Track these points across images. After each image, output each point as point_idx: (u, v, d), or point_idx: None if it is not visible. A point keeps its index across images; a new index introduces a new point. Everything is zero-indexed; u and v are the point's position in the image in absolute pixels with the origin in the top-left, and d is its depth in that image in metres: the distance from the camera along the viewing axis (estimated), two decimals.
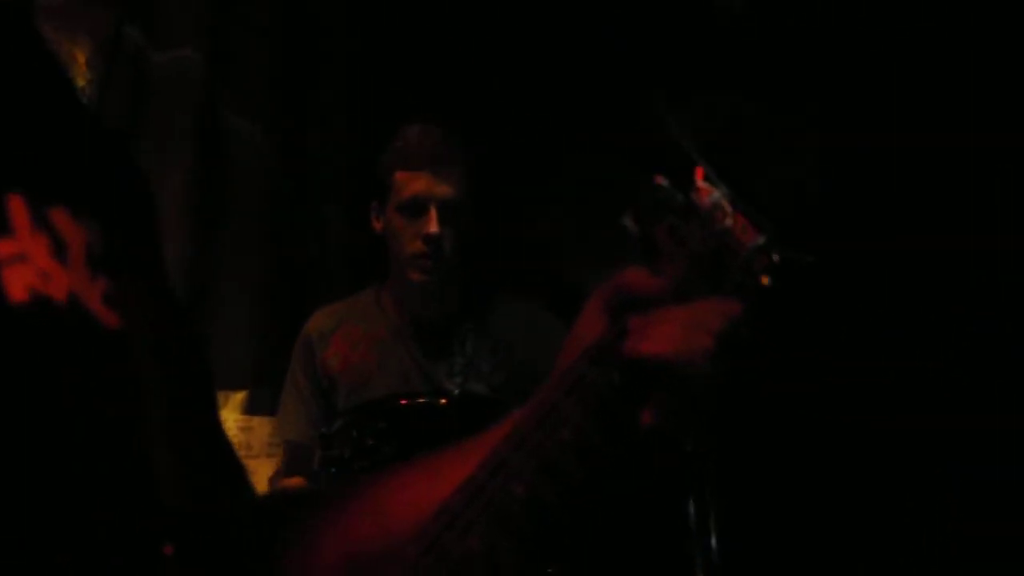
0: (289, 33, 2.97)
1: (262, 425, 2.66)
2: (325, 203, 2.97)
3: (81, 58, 2.41)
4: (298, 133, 2.98)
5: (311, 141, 3.00)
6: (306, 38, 2.99)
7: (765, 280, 2.30)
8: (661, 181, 1.11)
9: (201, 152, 2.79)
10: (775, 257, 1.12)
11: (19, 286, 0.67)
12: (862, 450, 2.77)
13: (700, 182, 1.08)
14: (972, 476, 2.61)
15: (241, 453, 2.49)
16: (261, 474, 2.57)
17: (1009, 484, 2.52)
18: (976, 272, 2.75)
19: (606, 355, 0.91)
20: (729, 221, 1.13)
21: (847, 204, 2.86)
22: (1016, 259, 2.73)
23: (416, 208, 2.30)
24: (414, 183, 2.30)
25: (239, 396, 2.73)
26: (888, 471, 2.76)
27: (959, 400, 2.67)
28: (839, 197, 2.81)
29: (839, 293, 2.79)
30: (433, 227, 2.28)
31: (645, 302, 0.93)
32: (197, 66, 2.77)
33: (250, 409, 2.71)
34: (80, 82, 2.42)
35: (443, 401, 2.06)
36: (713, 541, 2.02)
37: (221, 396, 2.66)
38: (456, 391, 2.24)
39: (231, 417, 2.69)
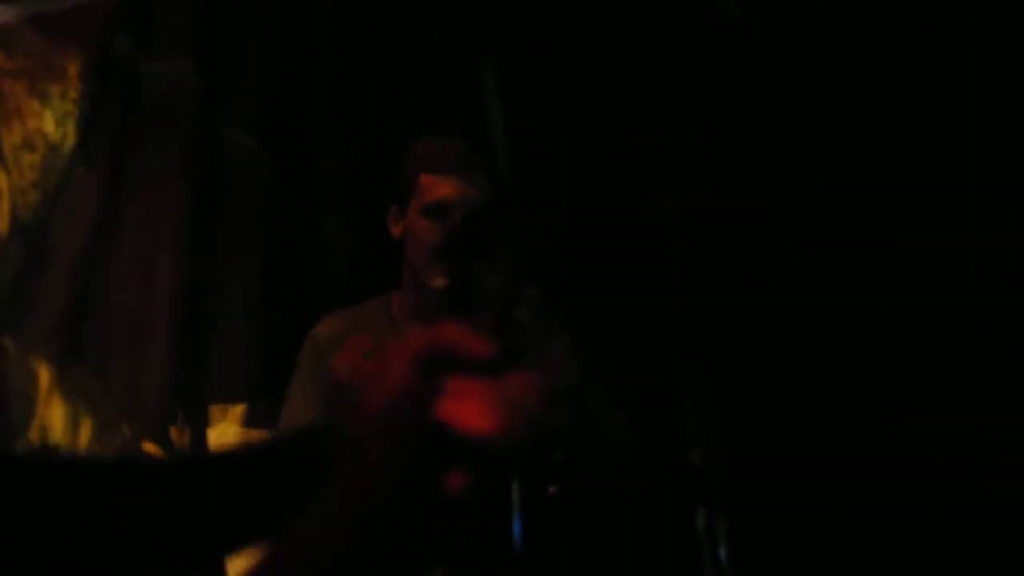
0: (284, 42, 2.93)
1: (260, 438, 2.55)
2: (323, 215, 2.93)
3: (73, 70, 2.39)
4: (295, 144, 2.94)
5: (308, 152, 2.97)
6: (301, 47, 2.95)
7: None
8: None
9: (196, 164, 2.70)
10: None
11: None
12: (871, 454, 2.74)
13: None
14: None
15: None
16: None
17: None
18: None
19: (418, 414, 0.89)
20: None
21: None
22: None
23: (442, 211, 2.27)
24: (441, 186, 2.27)
25: (238, 409, 2.69)
26: (897, 475, 2.69)
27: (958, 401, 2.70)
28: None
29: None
30: (457, 228, 2.29)
31: (463, 364, 0.91)
32: (191, 77, 2.69)
33: (249, 422, 2.68)
34: (72, 94, 2.39)
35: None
36: (723, 552, 1.96)
37: (220, 409, 2.66)
38: None
39: (230, 430, 2.66)
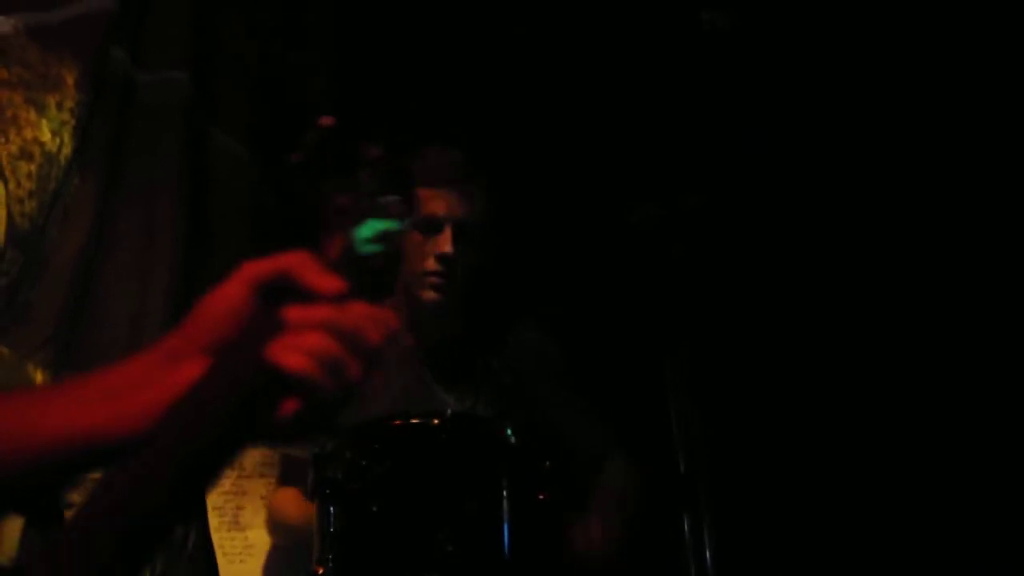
0: (273, 53, 2.87)
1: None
2: (315, 216, 2.87)
3: (69, 80, 2.39)
4: (285, 153, 2.87)
5: (306, 171, 2.91)
6: (293, 58, 2.89)
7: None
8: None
9: (187, 173, 2.72)
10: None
11: None
12: (855, 458, 2.78)
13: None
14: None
15: (233, 474, 2.40)
16: (252, 493, 2.55)
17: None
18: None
19: (250, 348, 0.89)
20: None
21: None
22: None
23: (431, 227, 2.27)
24: (431, 202, 2.27)
25: None
26: (878, 478, 2.76)
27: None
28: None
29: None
30: (447, 247, 2.25)
31: (305, 293, 0.90)
32: (183, 87, 2.71)
33: None
34: (68, 104, 2.39)
35: (436, 421, 1.99)
36: (708, 555, 1.99)
37: None
38: (449, 411, 2.20)
39: None
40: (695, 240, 2.25)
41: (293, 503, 2.33)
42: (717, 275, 2.73)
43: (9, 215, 2.26)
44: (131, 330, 2.53)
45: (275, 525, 2.39)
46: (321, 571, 1.90)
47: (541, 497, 1.96)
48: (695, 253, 2.27)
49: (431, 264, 2.27)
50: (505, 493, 1.89)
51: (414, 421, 2.00)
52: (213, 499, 2.61)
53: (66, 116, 2.39)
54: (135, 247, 2.58)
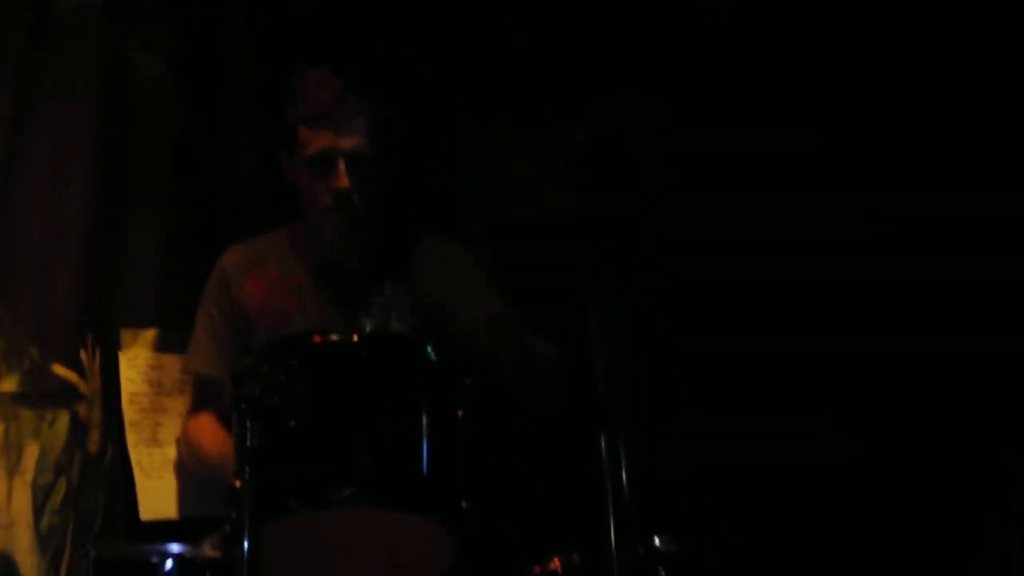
0: None
1: (172, 362, 2.64)
2: (235, 139, 2.88)
3: None
4: (207, 69, 2.88)
5: (220, 76, 2.90)
6: None
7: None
8: None
9: (106, 88, 2.72)
10: None
11: None
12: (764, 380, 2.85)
13: None
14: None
15: (152, 391, 2.40)
16: (171, 410, 2.59)
17: None
18: None
19: None
20: None
21: None
22: None
23: (323, 163, 2.29)
24: (318, 138, 2.28)
25: (149, 334, 2.68)
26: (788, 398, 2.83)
27: None
28: None
29: None
30: (342, 182, 2.27)
31: None
32: (98, 1, 2.71)
33: (160, 347, 2.68)
34: None
35: (355, 338, 2.02)
36: (624, 470, 1.98)
37: (131, 333, 2.66)
38: (368, 328, 2.24)
39: (141, 355, 2.67)
40: (618, 167, 2.29)
41: (208, 432, 2.36)
42: (643, 198, 2.77)
43: None
44: (45, 246, 2.54)
45: (190, 455, 2.40)
46: (239, 484, 1.87)
47: (460, 414, 1.96)
48: (616, 179, 2.30)
49: (327, 200, 2.30)
50: (424, 410, 1.92)
51: (333, 338, 2.00)
52: (131, 415, 2.63)
53: None
54: (50, 163, 2.60)
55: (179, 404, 2.61)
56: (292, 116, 2.34)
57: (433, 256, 2.43)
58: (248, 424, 1.92)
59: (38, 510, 2.49)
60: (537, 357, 2.34)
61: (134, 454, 2.59)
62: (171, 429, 2.61)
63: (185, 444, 2.45)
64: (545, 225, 2.54)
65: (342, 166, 2.29)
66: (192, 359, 2.46)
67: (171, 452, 2.58)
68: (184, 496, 2.60)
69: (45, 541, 2.52)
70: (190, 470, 2.46)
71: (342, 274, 2.41)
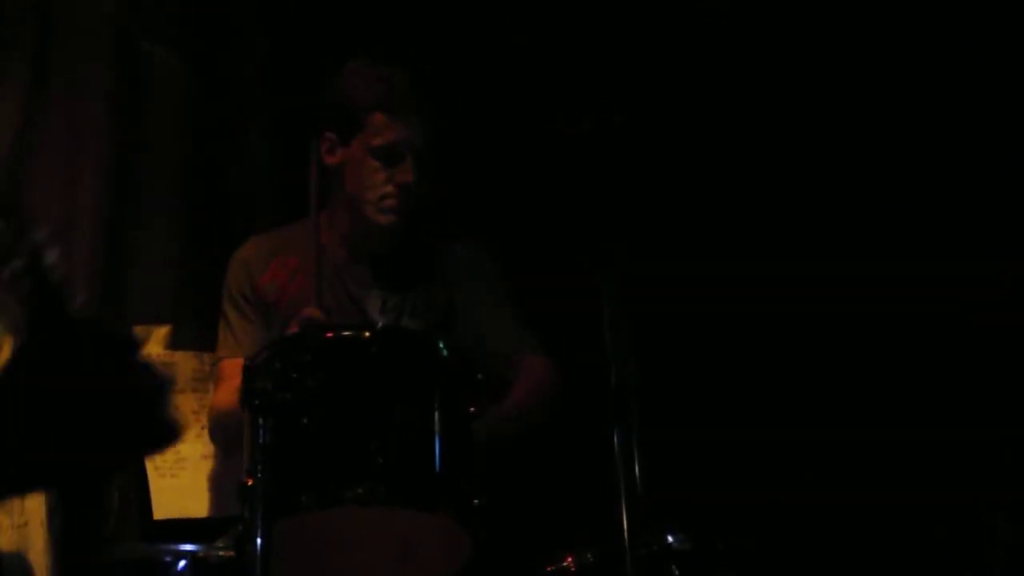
0: None
1: (185, 360, 2.61)
2: (249, 132, 2.89)
3: None
4: (220, 61, 2.89)
5: (234, 69, 2.92)
6: None
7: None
8: None
9: (117, 80, 2.72)
10: None
11: None
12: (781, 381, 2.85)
13: None
14: None
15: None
16: (184, 408, 2.57)
17: None
18: None
19: None
20: None
21: None
22: None
23: (391, 154, 2.29)
24: (395, 130, 2.28)
25: (162, 331, 2.64)
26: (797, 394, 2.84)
27: None
28: None
29: None
30: (408, 176, 2.28)
31: None
32: None
33: (173, 344, 2.64)
34: None
35: (367, 334, 2.00)
36: (636, 468, 2.02)
37: (144, 330, 2.62)
38: (380, 324, 2.24)
39: (154, 352, 2.62)
40: (629, 153, 2.28)
41: (232, 401, 2.20)
42: (653, 190, 2.79)
43: None
44: (59, 238, 2.46)
45: (217, 426, 2.36)
46: (251, 482, 1.89)
47: (472, 410, 1.96)
48: (630, 166, 2.33)
49: (390, 190, 2.30)
50: (436, 406, 1.91)
51: (345, 333, 2.02)
52: None
53: None
54: (61, 155, 2.60)
55: (192, 402, 2.56)
56: (364, 99, 2.30)
57: (461, 258, 2.42)
58: (260, 421, 1.92)
59: (51, 510, 2.44)
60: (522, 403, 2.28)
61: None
62: (184, 427, 2.63)
63: (210, 415, 2.39)
64: (555, 222, 2.55)
65: (410, 160, 2.29)
66: (221, 346, 2.42)
67: (184, 450, 2.54)
68: (196, 494, 2.56)
69: (56, 543, 2.48)
70: (218, 443, 2.40)
71: (363, 264, 2.39)
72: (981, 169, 2.74)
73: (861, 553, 2.76)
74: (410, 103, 2.31)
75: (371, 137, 2.29)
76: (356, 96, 2.32)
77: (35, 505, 2.48)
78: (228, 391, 2.33)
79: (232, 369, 2.36)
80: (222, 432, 2.35)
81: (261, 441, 1.89)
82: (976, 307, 2.78)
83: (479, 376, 2.01)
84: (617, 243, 2.15)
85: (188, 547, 2.10)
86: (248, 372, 1.97)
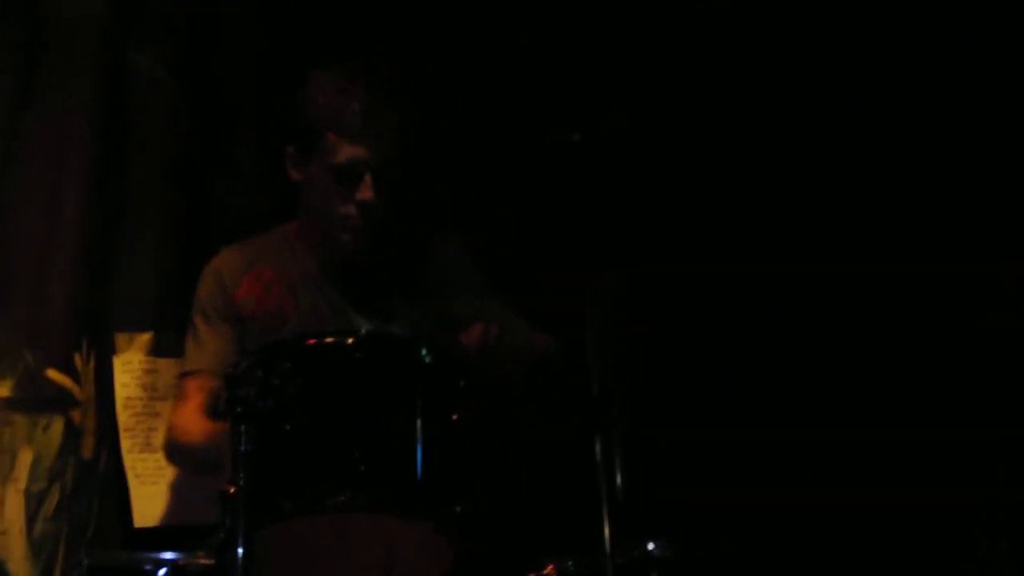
0: None
1: (168, 367, 2.61)
2: (231, 142, 2.87)
3: None
4: (204, 71, 2.87)
5: (218, 79, 2.89)
6: None
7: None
8: None
9: (103, 90, 2.68)
10: None
11: None
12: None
13: None
14: None
15: (146, 395, 2.64)
16: (165, 415, 2.53)
17: None
18: None
19: None
20: None
21: None
22: None
23: (349, 172, 2.24)
24: (351, 149, 2.23)
25: (144, 337, 2.65)
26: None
27: None
28: None
29: None
30: (368, 194, 2.24)
31: None
32: (99, 4, 2.68)
33: (155, 351, 2.66)
34: None
35: (350, 340, 1.97)
36: (618, 476, 2.02)
37: (126, 337, 2.67)
38: (364, 330, 2.22)
39: (136, 358, 2.65)
40: (615, 163, 2.24)
41: (194, 421, 2.27)
42: (639, 201, 2.80)
43: None
44: (39, 249, 2.53)
45: (176, 447, 2.31)
46: (232, 490, 1.84)
47: (454, 418, 1.93)
48: (615, 176, 2.27)
49: (350, 210, 2.27)
50: (419, 413, 1.88)
51: (328, 340, 1.98)
52: (125, 420, 2.61)
53: None
54: (46, 164, 2.61)
55: (180, 414, 2.42)
56: (319, 119, 2.26)
57: (441, 260, 2.40)
58: (242, 428, 1.88)
59: (31, 517, 2.46)
60: (537, 349, 2.31)
61: (128, 460, 2.55)
62: (175, 432, 2.46)
63: (169, 435, 2.35)
64: (543, 224, 2.56)
65: (369, 178, 2.24)
66: (189, 359, 2.37)
67: (163, 458, 2.47)
68: (177, 502, 2.57)
69: (38, 548, 2.48)
70: (175, 463, 2.37)
71: (340, 274, 2.37)
72: (982, 170, 2.72)
73: (851, 555, 2.73)
74: (367, 120, 2.24)
75: (329, 156, 2.25)
76: (311, 114, 2.27)
77: (14, 513, 2.47)
78: (189, 411, 2.30)
79: (196, 387, 2.33)
80: (178, 454, 2.30)
81: (243, 448, 1.85)
82: (973, 307, 2.75)
83: (461, 382, 1.97)
84: (605, 253, 2.12)
85: (168, 555, 2.04)
86: (230, 380, 1.92)
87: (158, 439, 2.55)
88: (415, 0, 2.91)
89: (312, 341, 1.97)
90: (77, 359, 2.58)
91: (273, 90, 2.66)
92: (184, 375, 2.36)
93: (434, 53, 2.79)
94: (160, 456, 2.52)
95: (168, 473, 2.56)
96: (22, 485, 2.46)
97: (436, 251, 2.45)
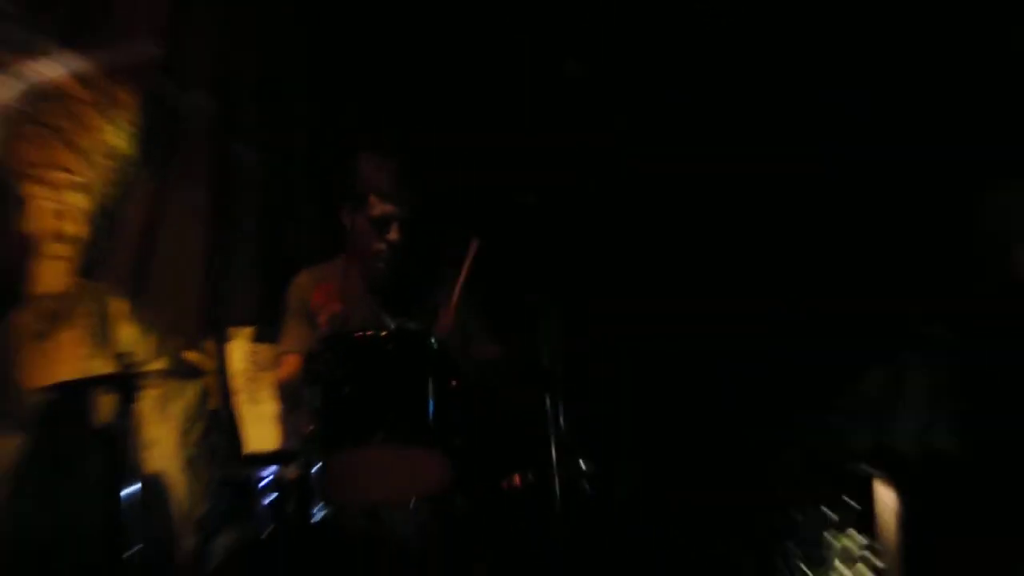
0: (279, 82, 3.27)
1: (263, 350, 2.98)
2: (300, 204, 3.26)
3: (132, 102, 2.68)
4: (284, 154, 3.25)
5: (293, 159, 3.28)
6: (290, 88, 3.22)
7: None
8: None
9: (215, 166, 3.02)
10: None
11: None
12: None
13: None
14: None
15: (253, 369, 2.70)
16: (264, 381, 2.92)
17: None
18: None
19: None
20: None
21: None
22: None
23: (383, 222, 2.61)
24: (385, 206, 2.61)
25: (247, 331, 3.05)
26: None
27: None
28: None
29: None
30: (395, 236, 2.60)
31: None
32: (210, 108, 3.01)
33: (256, 339, 3.03)
34: (133, 120, 2.68)
35: (384, 333, 2.28)
36: (561, 421, 2.35)
37: (235, 330, 3.03)
38: (392, 326, 2.46)
39: (243, 345, 3.02)
40: (566, 215, 2.50)
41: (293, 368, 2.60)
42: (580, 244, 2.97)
43: (100, 195, 2.52)
44: (180, 273, 2.85)
45: (281, 394, 2.66)
46: (310, 429, 2.21)
47: (454, 383, 2.28)
48: (566, 225, 2.54)
49: (382, 248, 2.59)
50: (429, 380, 2.22)
51: (369, 334, 2.29)
52: (237, 384, 2.97)
53: (132, 128, 2.67)
54: (182, 215, 2.88)
55: (269, 377, 2.87)
56: (364, 185, 2.61)
57: (442, 280, 2.66)
58: (316, 391, 2.21)
59: (183, 445, 2.82)
60: (486, 351, 2.62)
61: (240, 410, 2.95)
62: (264, 393, 2.90)
63: (277, 388, 2.68)
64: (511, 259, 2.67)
65: (396, 225, 2.58)
66: (282, 343, 2.68)
67: (264, 409, 2.82)
68: (272, 437, 2.83)
69: (187, 466, 2.84)
70: (281, 402, 2.66)
71: (380, 291, 2.69)
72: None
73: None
74: (396, 187, 2.59)
75: (369, 211, 2.60)
76: (358, 182, 2.60)
77: (171, 441, 2.79)
78: (286, 374, 2.60)
79: (289, 360, 2.58)
80: (282, 396, 2.60)
81: (317, 404, 2.21)
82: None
83: (457, 361, 2.29)
84: (555, 276, 2.41)
85: (268, 470, 2.43)
86: (309, 358, 2.28)
87: (259, 395, 2.88)
88: (424, 102, 3.12)
89: (359, 335, 2.28)
90: (206, 345, 2.95)
91: (330, 167, 2.96)
92: (281, 353, 2.66)
93: (434, 143, 3.04)
94: (261, 407, 2.85)
95: (265, 419, 2.86)
96: (176, 424, 2.82)
97: (439, 274, 2.70)
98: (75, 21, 2.67)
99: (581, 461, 2.43)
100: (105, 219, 2.61)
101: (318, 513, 2.34)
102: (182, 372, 2.91)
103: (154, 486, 2.76)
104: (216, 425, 2.94)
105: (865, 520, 2.80)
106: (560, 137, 2.95)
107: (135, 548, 2.24)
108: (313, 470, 2.24)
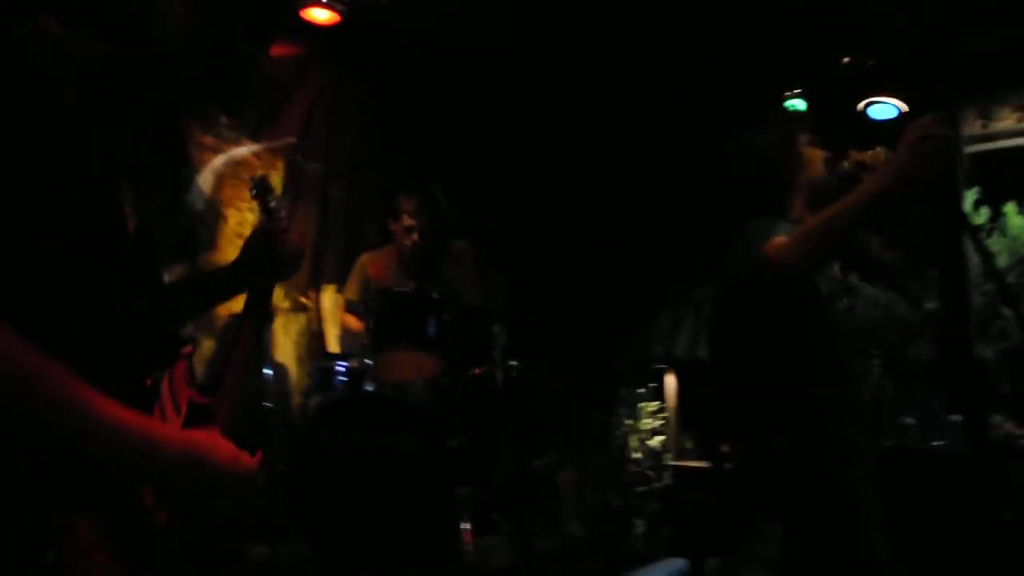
0: (357, 156, 4.16)
1: (340, 297, 4.01)
2: (366, 219, 4.28)
3: (281, 166, 3.79)
4: (359, 196, 4.29)
5: (363, 199, 4.32)
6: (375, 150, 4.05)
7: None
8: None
9: (320, 204, 4.18)
10: None
11: None
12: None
13: None
14: None
15: (333, 308, 4.07)
16: (339, 315, 3.93)
17: None
18: None
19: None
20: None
21: None
22: None
23: (410, 229, 3.64)
24: (412, 220, 3.66)
25: (333, 286, 4.12)
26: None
27: None
28: None
29: None
30: (416, 237, 3.63)
31: None
32: (320, 170, 4.18)
33: (337, 291, 4.09)
34: (280, 175, 3.71)
35: (407, 290, 3.27)
36: (502, 340, 3.34)
37: (326, 285, 4.06)
38: (413, 286, 3.30)
39: (330, 295, 4.11)
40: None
41: (350, 320, 3.58)
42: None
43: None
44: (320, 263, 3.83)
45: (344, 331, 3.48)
46: (366, 340, 3.23)
47: (445, 318, 3.22)
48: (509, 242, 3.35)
49: (408, 243, 3.62)
50: (432, 317, 3.21)
51: (399, 290, 3.23)
52: (325, 315, 4.03)
53: (280, 181, 3.75)
54: (302, 227, 3.98)
55: (343, 315, 3.91)
56: (400, 211, 3.62)
57: (464, 262, 3.54)
58: (370, 322, 3.27)
59: (295, 347, 3.80)
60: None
61: (326, 329, 4.03)
62: (338, 320, 3.97)
63: (344, 323, 3.53)
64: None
65: (417, 231, 3.60)
66: (346, 295, 3.73)
67: (338, 330, 3.92)
68: (345, 344, 3.80)
69: (297, 360, 3.91)
70: (345, 333, 3.51)
71: (411, 267, 3.62)
72: None
73: None
74: (419, 210, 3.57)
75: (402, 221, 3.65)
76: (399, 210, 3.65)
77: (288, 348, 3.70)
78: (349, 320, 3.59)
79: (351, 309, 3.41)
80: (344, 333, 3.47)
81: (371, 327, 3.24)
82: None
83: (451, 303, 3.19)
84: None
85: (343, 362, 3.35)
86: (365, 305, 3.32)
87: (336, 321, 4.00)
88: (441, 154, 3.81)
89: (396, 290, 3.21)
90: (311, 293, 3.97)
91: (384, 200, 3.89)
92: (348, 303, 3.63)
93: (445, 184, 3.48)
94: (336, 328, 3.96)
95: (338, 333, 3.88)
96: (292, 337, 3.73)
97: (442, 260, 3.60)
98: (255, 124, 3.66)
99: (511, 362, 3.44)
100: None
101: (368, 386, 3.18)
102: (296, 310, 3.88)
103: (279, 370, 3.63)
104: (313, 338, 3.97)
105: (659, 394, 4.04)
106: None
107: (270, 404, 2.98)
108: (366, 361, 3.20)
